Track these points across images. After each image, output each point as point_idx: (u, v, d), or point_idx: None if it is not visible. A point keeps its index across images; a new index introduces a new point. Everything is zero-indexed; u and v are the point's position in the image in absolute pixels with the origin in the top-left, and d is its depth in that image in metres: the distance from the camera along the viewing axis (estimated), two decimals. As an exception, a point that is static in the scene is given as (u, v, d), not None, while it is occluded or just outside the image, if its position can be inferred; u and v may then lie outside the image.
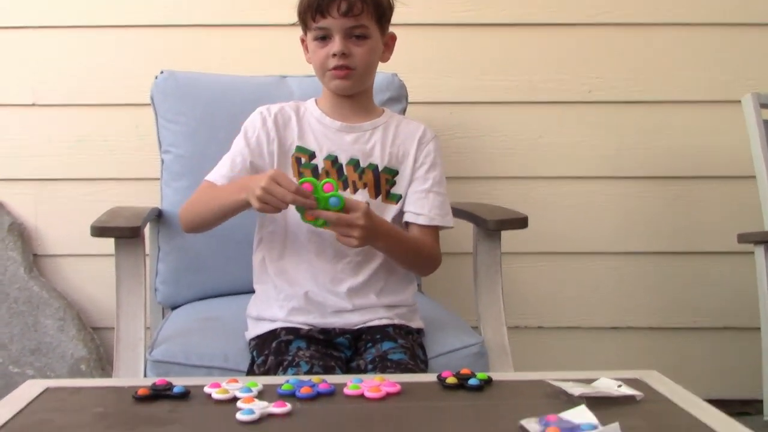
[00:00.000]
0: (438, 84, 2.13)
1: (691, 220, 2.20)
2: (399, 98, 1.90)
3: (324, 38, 1.41)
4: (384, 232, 1.36)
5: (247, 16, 2.09)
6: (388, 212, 1.46)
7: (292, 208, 1.31)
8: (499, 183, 2.16)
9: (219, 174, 1.44)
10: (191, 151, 1.80)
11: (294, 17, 1.46)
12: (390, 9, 1.46)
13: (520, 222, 1.61)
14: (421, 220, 1.46)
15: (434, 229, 1.48)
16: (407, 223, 1.49)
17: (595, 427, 0.87)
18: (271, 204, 1.27)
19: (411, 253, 1.45)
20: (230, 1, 2.09)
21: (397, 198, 1.47)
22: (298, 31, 1.49)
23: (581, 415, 0.91)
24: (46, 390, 1.06)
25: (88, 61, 2.10)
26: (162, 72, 1.85)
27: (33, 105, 2.10)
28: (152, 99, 1.84)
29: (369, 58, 1.43)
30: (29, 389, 1.06)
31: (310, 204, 1.28)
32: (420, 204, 1.46)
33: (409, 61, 2.03)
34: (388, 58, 1.50)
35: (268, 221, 1.47)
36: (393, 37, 1.50)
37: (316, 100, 1.52)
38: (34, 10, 2.08)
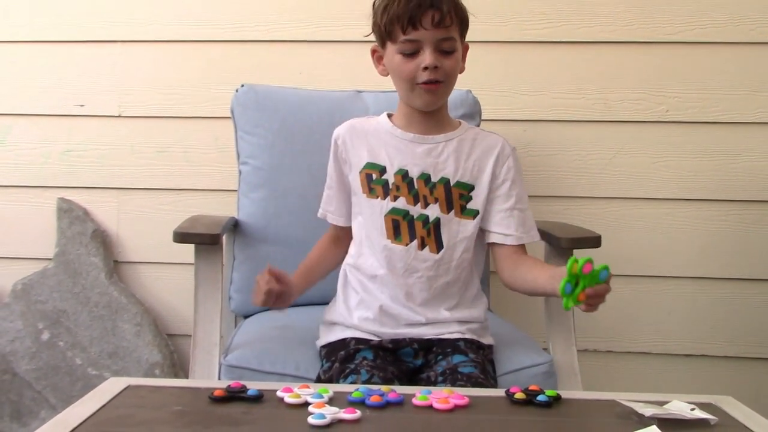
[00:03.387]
0: (512, 101, 2.12)
1: (771, 245, 2.13)
2: (473, 115, 1.90)
3: (411, 51, 1.39)
4: None
5: (324, 33, 2.13)
6: (465, 227, 1.46)
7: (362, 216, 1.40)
8: (571, 202, 2.14)
9: (324, 210, 1.57)
10: (268, 163, 1.84)
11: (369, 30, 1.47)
12: (468, 23, 1.46)
13: (593, 241, 1.60)
14: (510, 241, 1.46)
15: (523, 246, 1.48)
16: (494, 244, 1.48)
17: (667, 448, 0.86)
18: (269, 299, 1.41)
19: None
20: (308, 18, 2.14)
21: (474, 213, 1.46)
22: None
23: (653, 435, 0.90)
24: (128, 387, 1.11)
25: (172, 75, 2.16)
26: (242, 86, 1.90)
27: (119, 116, 2.18)
28: (232, 111, 1.89)
29: (455, 71, 1.43)
30: (112, 386, 1.10)
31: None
32: (506, 224, 1.45)
33: (483, 78, 2.04)
34: (463, 69, 1.48)
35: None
36: (466, 47, 1.49)
37: (388, 114, 1.52)
38: (122, 25, 2.16)
